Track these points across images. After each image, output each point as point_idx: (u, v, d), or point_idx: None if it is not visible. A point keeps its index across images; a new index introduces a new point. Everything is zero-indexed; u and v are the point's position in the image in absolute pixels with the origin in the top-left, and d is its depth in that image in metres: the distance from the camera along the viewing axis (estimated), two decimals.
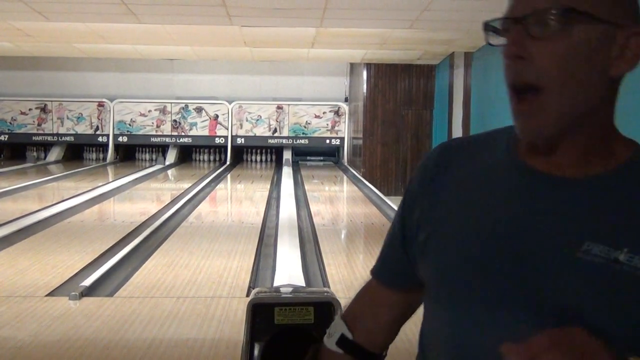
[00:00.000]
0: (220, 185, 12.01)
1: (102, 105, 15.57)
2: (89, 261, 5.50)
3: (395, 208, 7.84)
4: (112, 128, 15.52)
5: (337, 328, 1.14)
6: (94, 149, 15.91)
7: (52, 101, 15.59)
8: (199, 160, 15.82)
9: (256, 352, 1.39)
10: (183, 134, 15.55)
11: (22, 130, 15.59)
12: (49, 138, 15.64)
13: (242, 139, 15.51)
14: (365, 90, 13.35)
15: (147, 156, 15.87)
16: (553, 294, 0.86)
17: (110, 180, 12.04)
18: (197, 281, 4.97)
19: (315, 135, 15.53)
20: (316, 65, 15.25)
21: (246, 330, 1.41)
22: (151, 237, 6.48)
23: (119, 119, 15.55)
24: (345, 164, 14.81)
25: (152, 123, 15.57)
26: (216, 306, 4.33)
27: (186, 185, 11.04)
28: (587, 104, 0.90)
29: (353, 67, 15.08)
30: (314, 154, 15.78)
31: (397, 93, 13.32)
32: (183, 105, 15.58)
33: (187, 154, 15.87)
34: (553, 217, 0.90)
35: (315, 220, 7.72)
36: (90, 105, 15.60)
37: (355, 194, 10.69)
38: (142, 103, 15.56)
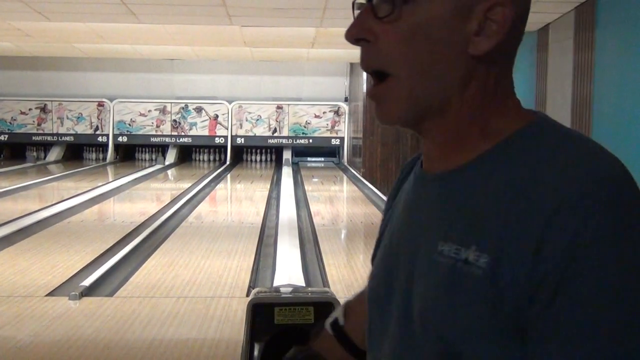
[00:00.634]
0: (220, 185, 12.01)
1: (102, 105, 15.58)
2: (89, 261, 5.50)
3: None
4: (112, 128, 15.52)
5: (337, 311, 1.14)
6: (93, 149, 15.92)
7: (52, 101, 15.59)
8: (199, 160, 15.82)
9: (256, 352, 1.39)
10: (183, 133, 15.56)
11: (22, 130, 15.59)
12: (49, 138, 15.65)
13: (242, 139, 15.52)
14: (365, 90, 13.36)
15: (147, 156, 15.87)
16: (416, 301, 0.80)
17: (110, 180, 12.04)
18: (197, 281, 4.98)
19: (315, 135, 15.53)
20: (316, 65, 15.25)
21: (246, 330, 1.41)
22: (151, 237, 6.48)
23: (119, 118, 15.55)
24: (345, 164, 14.82)
25: (152, 123, 15.57)
26: (216, 306, 4.33)
27: (186, 185, 11.04)
28: (445, 87, 0.79)
29: (353, 67, 15.08)
30: (314, 154, 15.77)
31: None
32: (183, 105, 15.59)
33: (187, 154, 15.87)
34: (419, 218, 0.83)
35: (315, 220, 7.72)
36: (90, 105, 15.61)
37: (355, 194, 10.69)
38: (142, 103, 15.57)
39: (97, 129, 15.62)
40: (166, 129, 15.56)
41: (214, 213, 9.17)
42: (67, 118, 15.62)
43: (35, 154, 15.75)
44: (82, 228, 7.22)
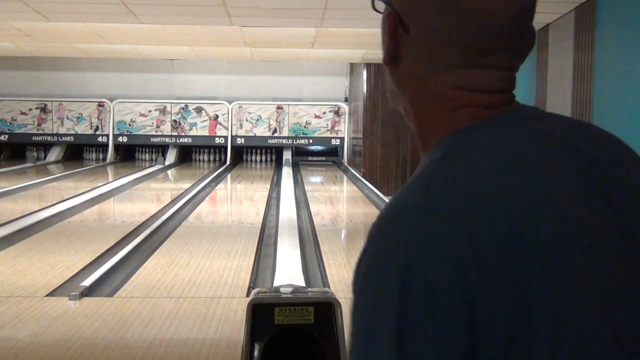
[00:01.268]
0: (220, 186, 12.01)
1: (102, 106, 15.57)
2: (89, 261, 5.50)
3: None
4: (112, 128, 15.52)
5: None
6: (93, 149, 15.91)
7: (52, 101, 15.59)
8: (199, 160, 15.82)
9: (256, 352, 1.39)
10: (183, 134, 15.56)
11: (22, 130, 15.58)
12: (49, 138, 15.64)
13: (242, 139, 15.51)
14: (365, 90, 13.35)
15: (147, 156, 15.87)
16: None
17: (110, 180, 12.04)
18: (197, 281, 4.97)
19: (315, 135, 15.54)
20: (316, 65, 15.25)
21: (246, 330, 1.41)
22: (151, 237, 6.48)
23: (119, 119, 15.55)
24: (345, 164, 14.82)
25: (152, 123, 15.57)
26: (216, 306, 4.33)
27: (186, 186, 11.04)
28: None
29: (353, 67, 15.08)
30: (315, 153, 15.79)
31: None
32: (183, 105, 15.58)
33: (187, 154, 15.87)
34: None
35: (315, 220, 7.72)
36: (90, 105, 15.60)
37: (355, 194, 10.69)
38: (142, 103, 15.56)
39: (97, 129, 15.62)
40: (166, 129, 15.56)
41: (214, 213, 9.18)
42: (67, 118, 15.62)
43: (35, 154, 15.74)
44: (82, 228, 7.22)
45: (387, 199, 9.13)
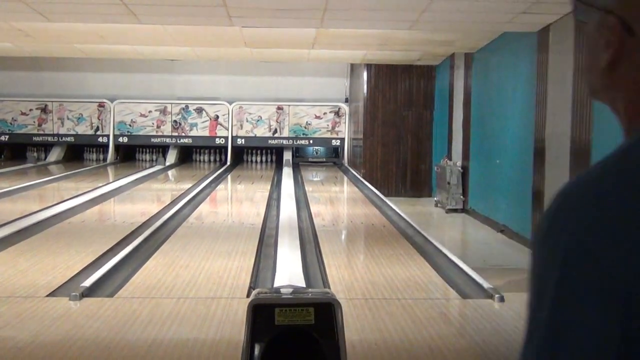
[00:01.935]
0: (221, 186, 12.01)
1: (103, 106, 15.58)
2: (90, 261, 5.50)
3: (396, 209, 7.81)
4: (112, 128, 15.53)
5: None
6: (94, 149, 15.92)
7: (52, 102, 15.60)
8: (199, 160, 15.83)
9: (256, 352, 1.39)
10: (183, 134, 15.57)
11: (23, 131, 15.60)
12: (50, 138, 15.65)
13: (243, 140, 15.52)
14: (365, 91, 13.36)
15: (148, 157, 15.88)
16: None
17: (111, 180, 12.04)
18: (198, 282, 4.97)
19: (316, 136, 15.54)
20: (316, 66, 15.26)
21: (246, 330, 1.41)
22: (151, 238, 6.47)
23: (120, 119, 15.56)
24: (346, 164, 14.82)
25: (153, 123, 15.58)
26: (216, 307, 4.33)
27: (186, 186, 11.04)
28: None
29: (353, 68, 15.09)
30: (314, 161, 15.83)
31: (398, 94, 13.33)
32: (183, 105, 15.59)
33: (188, 155, 15.88)
34: None
35: (316, 221, 7.72)
36: (90, 105, 15.61)
37: (355, 195, 10.69)
38: (142, 104, 15.58)
39: (97, 129, 15.63)
40: (167, 129, 15.57)
41: (215, 214, 9.18)
42: (68, 118, 15.62)
43: (35, 154, 15.75)
44: (83, 228, 7.22)
45: (387, 200, 9.13)
